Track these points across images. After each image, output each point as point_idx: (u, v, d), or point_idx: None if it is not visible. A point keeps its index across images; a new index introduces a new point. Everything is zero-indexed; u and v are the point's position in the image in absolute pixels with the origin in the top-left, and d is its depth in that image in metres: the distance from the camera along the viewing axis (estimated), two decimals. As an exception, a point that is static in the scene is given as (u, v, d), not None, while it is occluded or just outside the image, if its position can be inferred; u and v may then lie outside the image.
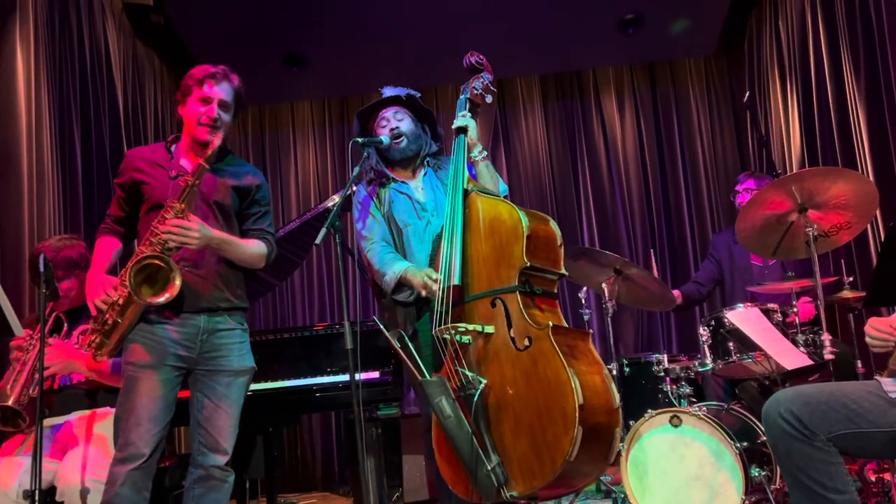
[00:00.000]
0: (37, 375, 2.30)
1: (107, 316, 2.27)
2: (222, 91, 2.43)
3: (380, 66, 5.62)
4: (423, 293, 2.61)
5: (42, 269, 2.13)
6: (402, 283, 2.71)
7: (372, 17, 5.12)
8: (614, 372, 3.54)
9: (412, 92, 2.94)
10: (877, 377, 2.01)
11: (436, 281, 2.54)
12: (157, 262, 2.24)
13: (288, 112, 6.15)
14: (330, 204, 3.84)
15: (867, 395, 1.92)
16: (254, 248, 2.49)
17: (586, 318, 3.88)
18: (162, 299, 2.23)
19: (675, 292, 3.92)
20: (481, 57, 2.85)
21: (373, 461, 4.13)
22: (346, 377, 3.30)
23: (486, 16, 5.12)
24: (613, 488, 3.54)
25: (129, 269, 2.23)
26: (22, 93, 3.64)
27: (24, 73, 3.67)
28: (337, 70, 5.72)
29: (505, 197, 2.76)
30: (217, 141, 2.38)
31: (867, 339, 1.93)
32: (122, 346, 2.34)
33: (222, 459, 2.32)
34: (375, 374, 3.29)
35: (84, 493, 2.39)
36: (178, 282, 2.23)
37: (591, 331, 2.54)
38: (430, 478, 4.26)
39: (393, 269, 2.72)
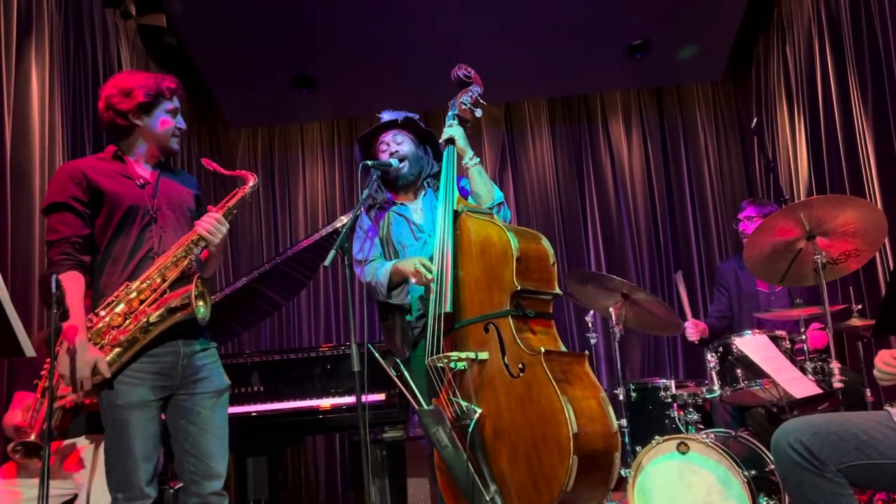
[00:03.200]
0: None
1: (131, 330, 2.16)
2: (178, 103, 2.43)
3: (388, 87, 5.66)
4: (414, 280, 2.58)
5: (54, 289, 2.09)
6: (395, 282, 2.69)
7: (380, 40, 5.17)
8: (621, 397, 3.52)
9: (410, 115, 2.94)
10: (887, 407, 1.99)
11: (429, 269, 2.52)
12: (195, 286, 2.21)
13: (297, 133, 6.19)
14: (338, 225, 3.84)
15: (877, 426, 1.90)
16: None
17: (593, 342, 3.85)
18: (189, 311, 2.18)
19: (703, 325, 3.88)
20: (469, 69, 2.81)
21: (377, 483, 4.10)
22: (351, 399, 3.30)
23: (495, 38, 5.16)
24: (619, 514, 3.50)
25: (192, 289, 2.17)
26: (36, 113, 3.68)
27: (38, 94, 3.71)
28: (346, 92, 5.77)
29: (500, 204, 2.75)
30: (178, 148, 2.44)
31: (875, 373, 1.91)
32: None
33: (218, 484, 2.21)
34: (381, 397, 3.28)
35: None
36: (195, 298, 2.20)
37: (586, 353, 2.51)
38: (433, 501, 4.23)
39: (384, 268, 2.72)
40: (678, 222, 5.79)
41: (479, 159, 2.75)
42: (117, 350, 2.13)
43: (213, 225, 2.26)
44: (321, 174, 6.12)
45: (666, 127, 5.93)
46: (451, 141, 2.70)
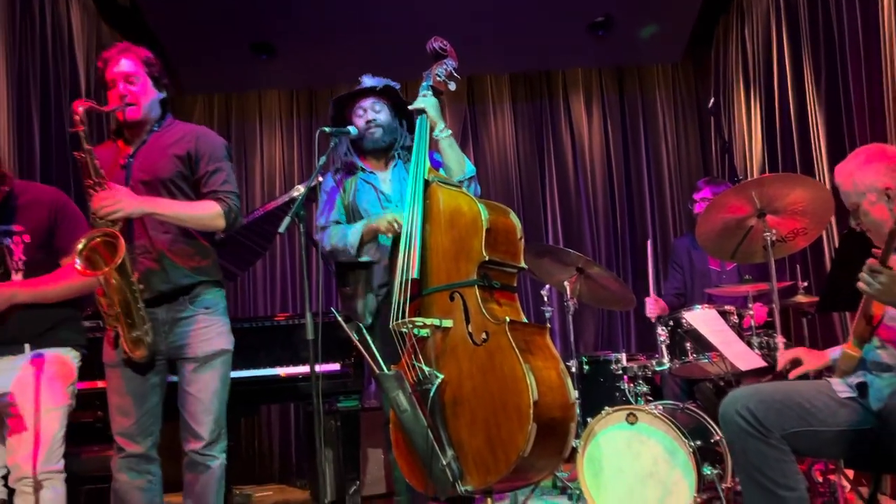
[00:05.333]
0: None
1: (109, 311, 2.29)
2: (123, 67, 2.39)
3: (350, 58, 5.56)
4: (390, 235, 2.59)
5: None
6: (365, 241, 2.70)
7: (343, 9, 5.07)
8: (573, 370, 3.57)
9: (391, 83, 2.90)
10: (826, 378, 2.06)
11: (399, 226, 2.53)
12: (98, 237, 2.20)
13: (255, 101, 6.06)
14: (295, 194, 3.77)
15: (818, 395, 1.97)
16: (202, 207, 2.38)
17: (548, 315, 3.89)
18: (118, 262, 2.18)
19: (663, 303, 3.91)
20: (445, 42, 2.78)
21: (331, 454, 4.10)
22: (306, 368, 3.27)
23: (459, 12, 5.11)
24: (570, 485, 3.57)
25: (79, 254, 2.18)
26: (-21, 72, 3.53)
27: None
28: (306, 60, 5.66)
29: (471, 178, 2.74)
30: (139, 113, 2.39)
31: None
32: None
33: (198, 445, 2.34)
34: (336, 366, 3.26)
35: (38, 486, 2.33)
36: (121, 242, 2.18)
37: (548, 325, 2.53)
38: (388, 471, 4.25)
39: (353, 229, 2.71)
40: (635, 200, 5.86)
41: (450, 131, 2.72)
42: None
43: (98, 207, 2.23)
44: (279, 144, 6.02)
45: (626, 106, 5.98)
46: (422, 111, 2.66)
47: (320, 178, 2.88)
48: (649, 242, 4.00)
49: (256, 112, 6.06)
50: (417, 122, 2.68)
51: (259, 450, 5.60)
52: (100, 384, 3.03)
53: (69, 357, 2.50)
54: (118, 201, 2.21)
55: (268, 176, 5.98)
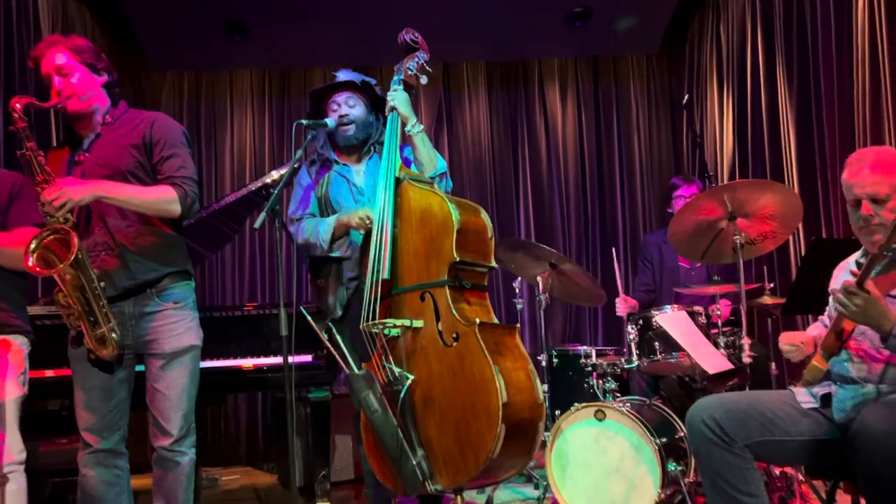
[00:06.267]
0: None
1: (69, 310, 2.25)
2: (53, 60, 2.33)
3: (324, 40, 5.50)
4: (363, 231, 2.57)
5: None
6: (337, 235, 2.68)
7: (318, -11, 5.00)
8: (543, 363, 3.61)
9: (368, 79, 2.87)
10: (791, 387, 2.11)
11: (370, 221, 2.52)
12: (49, 235, 2.17)
13: (226, 81, 5.95)
14: (268, 179, 3.74)
15: (781, 405, 2.02)
16: (157, 192, 2.32)
17: (519, 307, 3.94)
18: (72, 258, 2.15)
19: (633, 302, 3.97)
20: (416, 34, 2.74)
21: (300, 441, 4.10)
22: (275, 359, 3.26)
23: (436, -3, 5.07)
24: (535, 473, 3.62)
25: (31, 253, 2.15)
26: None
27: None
28: (279, 41, 5.56)
29: (442, 175, 2.73)
30: (80, 104, 2.33)
31: (781, 346, 2.03)
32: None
33: (167, 441, 2.32)
34: (308, 358, 3.24)
35: (3, 479, 2.32)
36: (75, 238, 2.15)
37: (518, 325, 2.54)
38: (356, 458, 4.27)
39: (325, 224, 2.70)
40: (606, 191, 5.91)
41: (422, 126, 2.70)
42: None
43: (46, 201, 2.17)
44: (250, 124, 5.92)
45: (600, 96, 6.00)
46: (393, 108, 2.64)
47: (304, 165, 2.84)
48: (614, 249, 4.08)
49: (227, 91, 5.95)
50: (388, 118, 2.66)
51: (226, 432, 5.58)
52: (48, 373, 3.04)
53: (19, 344, 2.48)
54: (63, 191, 2.15)
55: (238, 156, 5.89)
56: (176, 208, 2.32)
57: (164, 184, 2.34)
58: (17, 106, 2.20)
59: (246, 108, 5.93)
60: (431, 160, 2.69)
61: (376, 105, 2.87)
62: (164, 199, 2.30)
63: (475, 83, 6.00)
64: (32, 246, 2.14)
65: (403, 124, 2.64)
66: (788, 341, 2.13)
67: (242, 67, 5.92)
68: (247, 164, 5.86)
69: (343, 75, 2.83)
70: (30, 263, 2.12)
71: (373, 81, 2.86)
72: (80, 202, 2.18)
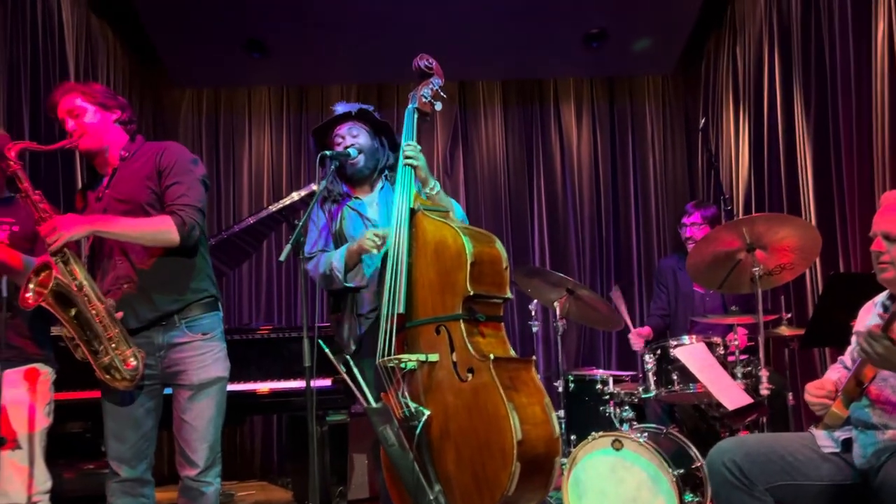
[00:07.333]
0: None
1: (70, 339, 2.27)
2: (64, 105, 2.41)
3: (342, 58, 5.54)
4: (374, 251, 2.57)
5: None
6: (350, 265, 2.67)
7: (337, 9, 5.03)
8: (560, 389, 3.62)
9: (364, 106, 2.87)
10: (811, 430, 2.12)
11: (381, 239, 2.52)
12: (38, 275, 2.22)
13: (244, 97, 6.00)
14: (289, 202, 3.79)
15: (802, 448, 2.03)
16: (153, 222, 2.33)
17: (535, 329, 3.93)
18: (46, 291, 2.19)
19: (646, 330, 3.97)
20: (431, 60, 2.73)
21: (317, 460, 4.12)
22: (296, 383, 3.29)
23: (455, 15, 5.08)
24: (551, 496, 3.63)
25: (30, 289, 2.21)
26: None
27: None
28: (298, 59, 5.62)
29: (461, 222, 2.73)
30: (92, 141, 2.40)
31: (807, 399, 2.02)
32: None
33: (193, 472, 2.35)
34: (327, 382, 3.28)
35: None
36: (54, 272, 2.19)
37: (534, 358, 2.54)
38: (371, 476, 4.29)
39: (338, 253, 2.70)
40: (621, 212, 5.92)
41: (439, 187, 2.69)
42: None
43: (44, 242, 2.24)
44: (268, 141, 5.97)
45: (616, 117, 6.01)
46: (412, 167, 2.60)
47: (317, 204, 2.85)
48: (614, 292, 4.08)
49: (245, 108, 6.00)
50: (402, 168, 2.61)
51: (241, 446, 5.62)
52: (71, 395, 3.09)
53: (46, 373, 2.53)
54: (54, 228, 2.20)
55: (255, 172, 5.94)
56: (173, 237, 2.32)
57: (165, 213, 2.37)
58: (12, 154, 2.27)
59: (264, 125, 5.98)
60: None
61: (379, 129, 2.88)
62: (159, 229, 2.32)
63: (491, 101, 6.03)
64: (30, 284, 2.21)
65: (423, 184, 2.63)
66: (816, 398, 2.02)
67: (261, 84, 5.98)
68: (264, 181, 5.90)
69: (340, 108, 2.85)
70: (29, 299, 2.19)
71: (370, 108, 2.87)
72: (71, 238, 2.22)
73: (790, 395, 3.24)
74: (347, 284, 2.72)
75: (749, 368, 3.24)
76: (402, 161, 2.60)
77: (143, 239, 2.33)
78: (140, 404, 2.38)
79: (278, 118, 6.00)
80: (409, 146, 2.60)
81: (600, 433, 3.01)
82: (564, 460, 3.07)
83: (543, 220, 5.90)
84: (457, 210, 2.73)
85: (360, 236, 2.65)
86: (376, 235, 2.55)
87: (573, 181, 5.92)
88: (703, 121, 4.41)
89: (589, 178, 5.93)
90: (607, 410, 3.39)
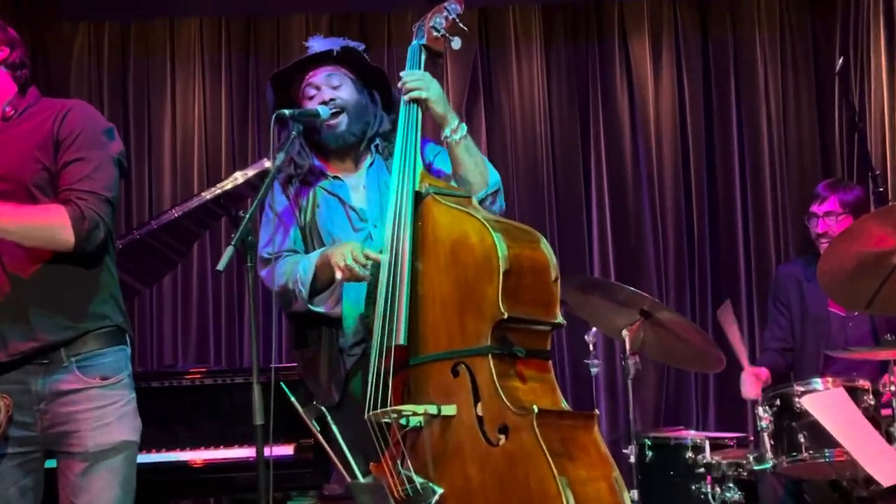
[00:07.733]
0: None
1: None
2: None
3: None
4: (340, 276, 2.55)
5: None
6: (322, 281, 2.68)
7: None
8: (632, 458, 3.62)
9: (351, 43, 2.91)
10: None
11: (365, 265, 2.50)
12: None
13: (164, 31, 6.03)
14: (230, 186, 3.79)
15: None
16: (38, 214, 2.34)
17: (594, 371, 3.93)
18: None
19: (763, 372, 3.97)
20: None
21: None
22: (243, 451, 3.30)
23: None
24: None
25: None
26: None
27: None
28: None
29: (495, 193, 2.74)
30: None
31: None
32: None
33: None
34: (288, 451, 3.29)
35: None
36: None
37: (596, 412, 2.54)
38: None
39: (307, 261, 2.71)
40: (720, 197, 5.89)
41: (465, 128, 2.70)
42: None
43: None
44: (199, 97, 6.00)
45: (711, 55, 5.99)
46: (417, 102, 2.64)
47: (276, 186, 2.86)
48: (722, 311, 4.12)
49: (167, 47, 6.03)
50: (404, 110, 2.67)
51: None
52: None
53: None
54: None
55: (182, 142, 5.96)
56: (65, 237, 2.30)
57: (57, 200, 2.35)
58: None
59: (193, 75, 6.00)
60: (482, 175, 2.71)
61: (367, 80, 2.89)
62: (47, 223, 2.32)
63: (526, 35, 6.03)
64: None
65: (440, 125, 2.66)
66: None
67: (188, 15, 6.01)
68: (194, 154, 5.93)
69: (317, 44, 2.87)
70: None
71: (360, 47, 2.88)
72: None
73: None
74: (314, 309, 2.72)
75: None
76: (402, 103, 2.62)
77: (23, 235, 2.32)
78: (12, 482, 2.37)
79: (214, 64, 6.02)
80: (411, 74, 2.62)
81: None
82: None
83: (605, 210, 5.90)
84: (491, 176, 2.73)
85: (339, 245, 2.65)
86: (357, 259, 2.54)
87: (648, 152, 5.91)
88: (840, 61, 4.40)
89: (672, 146, 5.92)
90: (703, 490, 3.39)
